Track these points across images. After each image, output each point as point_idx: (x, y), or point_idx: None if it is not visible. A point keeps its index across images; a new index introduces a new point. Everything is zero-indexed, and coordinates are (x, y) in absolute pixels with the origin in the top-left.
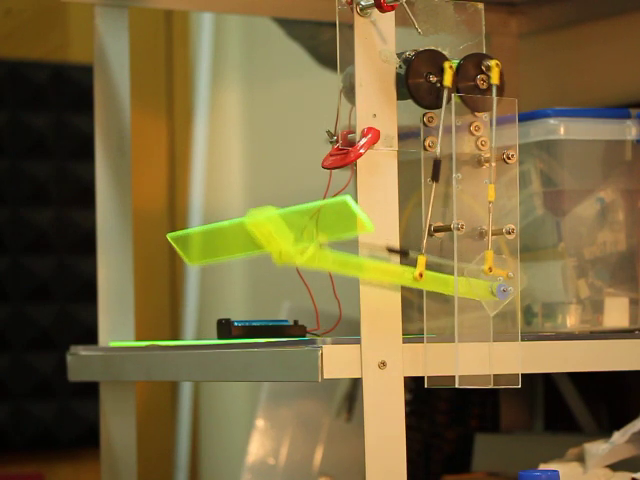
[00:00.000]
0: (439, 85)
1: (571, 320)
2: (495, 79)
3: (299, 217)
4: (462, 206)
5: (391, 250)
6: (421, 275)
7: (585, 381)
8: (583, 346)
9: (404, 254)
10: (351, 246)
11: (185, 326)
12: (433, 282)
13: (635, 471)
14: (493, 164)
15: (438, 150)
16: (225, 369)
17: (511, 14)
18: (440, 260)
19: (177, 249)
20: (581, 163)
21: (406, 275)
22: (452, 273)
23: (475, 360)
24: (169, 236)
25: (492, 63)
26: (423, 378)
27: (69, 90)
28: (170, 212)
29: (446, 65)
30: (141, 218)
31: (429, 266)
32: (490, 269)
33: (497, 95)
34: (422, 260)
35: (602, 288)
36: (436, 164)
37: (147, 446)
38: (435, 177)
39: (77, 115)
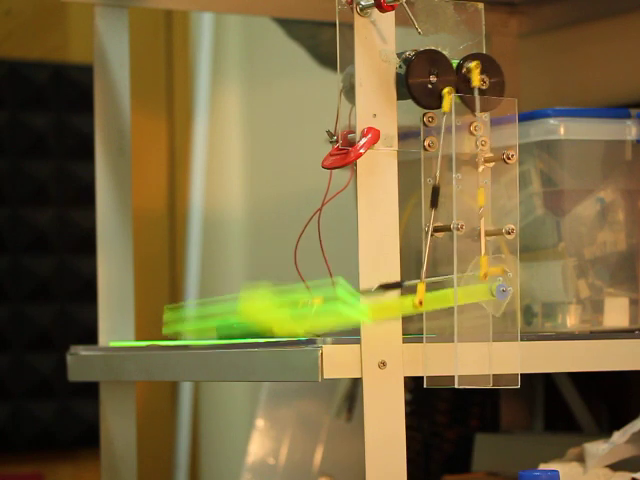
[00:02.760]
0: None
1: (571, 320)
2: (475, 81)
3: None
4: (462, 206)
5: (385, 286)
6: (421, 303)
7: (585, 381)
8: (583, 346)
9: (399, 286)
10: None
11: None
12: (433, 303)
13: (635, 471)
14: (458, 176)
15: (439, 156)
16: (225, 369)
17: (511, 14)
18: (439, 279)
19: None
20: (581, 163)
21: (406, 304)
22: (449, 280)
23: (475, 360)
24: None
25: (472, 65)
26: (423, 378)
27: (69, 90)
28: (170, 212)
29: (445, 92)
30: (141, 218)
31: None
32: (485, 275)
33: (496, 95)
34: (422, 287)
35: (602, 288)
36: (434, 191)
37: (147, 446)
38: (434, 204)
39: (77, 115)
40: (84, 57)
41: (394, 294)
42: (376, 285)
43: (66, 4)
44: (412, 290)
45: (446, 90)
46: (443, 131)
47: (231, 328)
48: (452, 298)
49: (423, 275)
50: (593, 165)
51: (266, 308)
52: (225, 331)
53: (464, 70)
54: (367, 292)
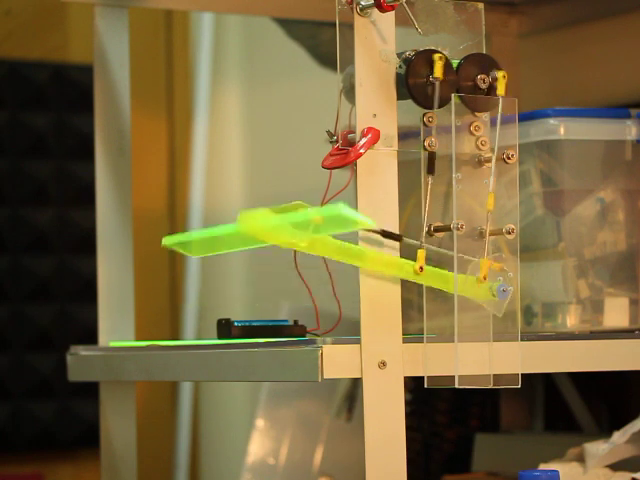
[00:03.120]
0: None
1: (571, 320)
2: (501, 90)
3: (294, 222)
4: (462, 206)
5: (386, 234)
6: (421, 269)
7: (585, 381)
8: (583, 346)
9: (398, 238)
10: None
11: (185, 326)
12: (433, 277)
13: (635, 471)
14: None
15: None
16: (225, 369)
17: (511, 14)
18: (441, 251)
19: (176, 249)
20: (581, 163)
21: (406, 268)
22: (452, 271)
23: (475, 360)
24: (165, 241)
25: (499, 75)
26: (423, 378)
27: (69, 90)
28: (170, 212)
29: (435, 57)
30: (141, 218)
31: (430, 262)
32: (485, 277)
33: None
34: (422, 254)
35: (602, 288)
36: (431, 157)
37: (147, 446)
38: (430, 170)
39: (77, 115)
40: (84, 57)
41: (396, 253)
42: (378, 229)
43: (66, 4)
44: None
45: (437, 56)
46: (436, 100)
47: (231, 238)
48: (452, 282)
49: (423, 238)
50: (593, 165)
51: (266, 218)
52: (225, 241)
53: (490, 78)
54: (366, 230)
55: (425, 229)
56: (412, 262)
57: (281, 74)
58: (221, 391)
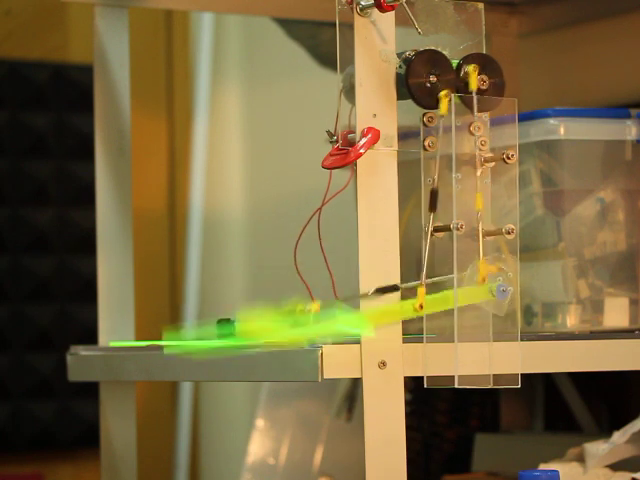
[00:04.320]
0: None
1: (571, 320)
2: (473, 85)
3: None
4: (462, 206)
5: (383, 290)
6: (421, 306)
7: (585, 381)
8: (583, 346)
9: (396, 289)
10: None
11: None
12: (434, 305)
13: (635, 471)
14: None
15: (437, 158)
16: (225, 369)
17: (511, 14)
18: (438, 279)
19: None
20: (581, 163)
21: (406, 308)
22: (449, 281)
23: (475, 360)
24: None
25: (470, 68)
26: (423, 378)
27: (69, 90)
28: (170, 212)
29: (442, 95)
30: (141, 218)
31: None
32: (483, 279)
33: (496, 95)
34: (422, 291)
35: (602, 288)
36: (433, 194)
37: (147, 446)
38: (432, 207)
39: (77, 115)
40: (84, 57)
41: (394, 299)
42: (373, 289)
43: (66, 4)
44: (411, 292)
45: (443, 93)
46: (441, 132)
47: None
48: (452, 300)
49: (423, 278)
50: (593, 165)
51: (265, 322)
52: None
53: (462, 73)
54: (365, 297)
55: (424, 270)
56: (411, 301)
57: (281, 74)
58: (221, 391)
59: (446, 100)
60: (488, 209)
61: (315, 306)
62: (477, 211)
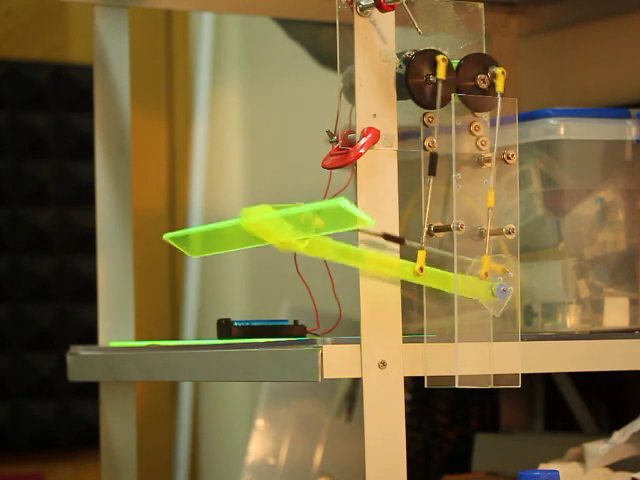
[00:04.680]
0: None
1: (571, 320)
2: (500, 87)
3: (295, 218)
4: (462, 206)
5: (388, 237)
6: (421, 269)
7: (585, 381)
8: (583, 346)
9: (401, 241)
10: (350, 236)
11: (185, 326)
12: (433, 278)
13: (635, 471)
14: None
15: (436, 128)
16: (225, 369)
17: (511, 14)
18: (442, 252)
19: (176, 246)
20: (581, 163)
21: (406, 269)
22: (452, 271)
23: (475, 360)
24: (166, 236)
25: (498, 71)
26: (423, 378)
27: (69, 90)
28: (170, 212)
29: (439, 58)
30: (141, 218)
31: (430, 263)
32: (486, 274)
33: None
34: (422, 255)
35: (602, 288)
36: (433, 157)
37: (147, 446)
38: (432, 171)
39: (77, 115)
40: (84, 57)
41: (396, 254)
42: (380, 232)
43: (66, 4)
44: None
45: (440, 57)
46: (439, 93)
47: (231, 235)
48: (452, 283)
49: (424, 239)
50: (593, 165)
51: (267, 214)
52: (225, 239)
53: (489, 74)
54: (367, 232)
55: (425, 229)
56: (412, 263)
57: (281, 74)
58: (221, 391)
59: (443, 64)
60: (491, 209)
61: (320, 221)
62: (488, 208)
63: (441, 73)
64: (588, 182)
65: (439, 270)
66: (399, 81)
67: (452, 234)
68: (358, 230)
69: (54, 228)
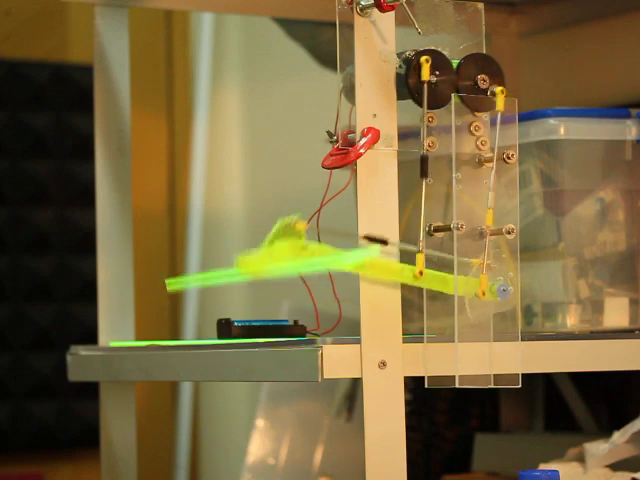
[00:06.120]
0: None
1: (571, 320)
2: (500, 106)
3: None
4: (462, 206)
5: (370, 238)
6: (421, 273)
7: (585, 381)
8: (583, 346)
9: (383, 242)
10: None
11: (185, 326)
12: (433, 280)
13: (635, 471)
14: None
15: (424, 128)
16: (225, 369)
17: (511, 14)
18: (440, 254)
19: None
20: (581, 163)
21: (405, 273)
22: (451, 272)
23: (475, 360)
24: (169, 283)
25: (497, 90)
26: (423, 378)
27: (69, 90)
28: (170, 212)
29: (422, 59)
30: (141, 218)
31: (430, 264)
32: (484, 293)
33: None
34: (421, 258)
35: (602, 288)
36: (423, 160)
37: (147, 446)
38: (423, 174)
39: (77, 115)
40: (84, 57)
41: (395, 258)
42: (363, 234)
43: (66, 4)
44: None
45: (424, 58)
46: (425, 101)
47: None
48: (452, 284)
49: (422, 244)
50: (593, 165)
51: (263, 262)
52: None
53: (489, 93)
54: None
55: (424, 231)
56: (412, 267)
57: (281, 74)
58: (221, 391)
59: (427, 65)
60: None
61: (301, 224)
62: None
63: (425, 75)
64: (588, 182)
65: (438, 272)
66: (399, 81)
67: (452, 234)
68: (344, 235)
69: (54, 228)
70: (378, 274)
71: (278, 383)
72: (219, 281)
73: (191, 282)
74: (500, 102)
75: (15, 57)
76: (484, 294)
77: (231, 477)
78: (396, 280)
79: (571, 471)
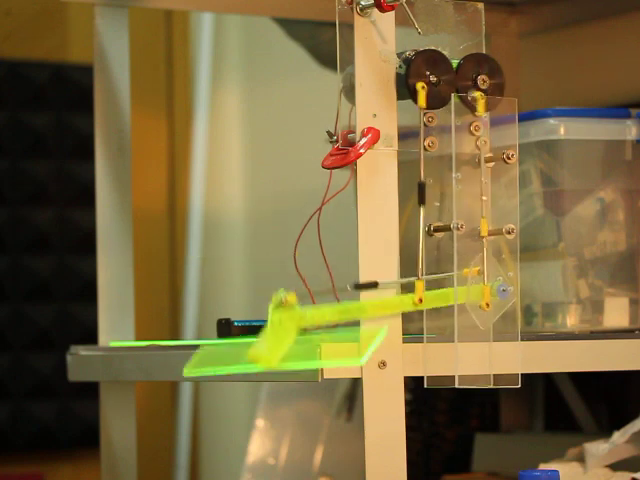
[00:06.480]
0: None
1: (571, 320)
2: (481, 111)
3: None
4: (462, 206)
5: (360, 286)
6: (421, 300)
7: (585, 381)
8: (583, 346)
9: (373, 286)
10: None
11: (185, 326)
12: (433, 301)
13: (635, 471)
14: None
15: (422, 156)
16: None
17: (511, 14)
18: (437, 276)
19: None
20: (581, 163)
21: (406, 302)
22: (449, 280)
23: (475, 360)
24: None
25: (477, 95)
26: (423, 378)
27: (69, 90)
28: (170, 212)
29: (418, 86)
30: (141, 218)
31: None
32: (487, 305)
33: (496, 95)
34: (420, 285)
35: (602, 288)
36: (420, 187)
37: (147, 446)
38: (421, 200)
39: (77, 115)
40: (84, 57)
41: (391, 292)
42: (351, 284)
43: (66, 4)
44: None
45: (419, 85)
46: (422, 125)
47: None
48: (452, 297)
49: (420, 273)
50: (593, 165)
51: (272, 353)
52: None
53: (469, 97)
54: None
55: (421, 261)
56: (410, 295)
57: (281, 74)
58: (221, 391)
59: (423, 92)
60: (489, 210)
61: (292, 297)
62: (481, 237)
63: (421, 101)
64: (588, 182)
65: (437, 291)
66: (399, 81)
67: (452, 234)
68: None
69: (54, 228)
70: (381, 312)
71: (278, 383)
72: (235, 370)
73: (207, 371)
74: (481, 107)
75: (15, 57)
76: (488, 306)
77: (231, 477)
78: (399, 312)
79: (571, 471)
